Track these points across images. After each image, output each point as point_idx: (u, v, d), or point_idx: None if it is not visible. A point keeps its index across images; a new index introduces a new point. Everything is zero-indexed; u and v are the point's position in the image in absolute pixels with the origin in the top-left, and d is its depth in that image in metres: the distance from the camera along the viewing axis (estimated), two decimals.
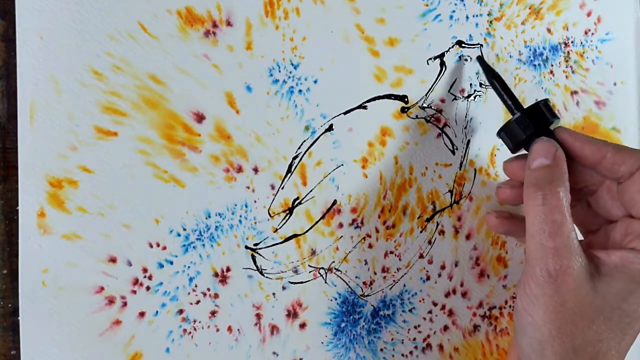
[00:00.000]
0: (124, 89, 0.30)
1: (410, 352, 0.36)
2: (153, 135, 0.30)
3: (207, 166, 0.31)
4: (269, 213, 0.33)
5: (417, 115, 0.35)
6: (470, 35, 0.36)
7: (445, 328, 0.37)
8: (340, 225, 0.34)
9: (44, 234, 0.29)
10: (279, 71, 0.32)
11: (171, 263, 0.31)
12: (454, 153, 0.36)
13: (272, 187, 0.33)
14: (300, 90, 0.33)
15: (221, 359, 0.32)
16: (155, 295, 0.31)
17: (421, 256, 0.36)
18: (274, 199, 0.33)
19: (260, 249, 0.33)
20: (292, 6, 0.32)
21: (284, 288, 0.33)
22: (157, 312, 0.31)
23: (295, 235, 0.33)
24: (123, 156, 0.30)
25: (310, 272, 0.34)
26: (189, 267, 0.31)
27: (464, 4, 0.36)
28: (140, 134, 0.30)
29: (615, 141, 0.39)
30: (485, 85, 0.37)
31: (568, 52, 0.39)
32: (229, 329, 0.32)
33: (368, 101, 0.34)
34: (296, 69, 0.33)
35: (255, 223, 0.32)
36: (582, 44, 0.40)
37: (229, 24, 0.31)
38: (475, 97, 0.37)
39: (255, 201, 0.32)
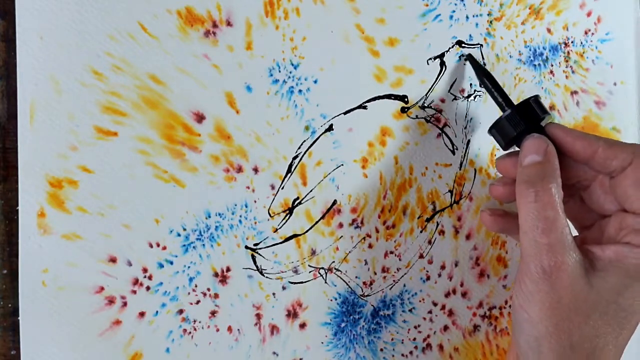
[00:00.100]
0: (124, 89, 0.30)
1: (410, 352, 0.36)
2: (153, 135, 0.30)
3: (207, 166, 0.31)
4: (269, 213, 0.33)
5: (417, 115, 0.35)
6: (470, 35, 0.36)
7: (445, 328, 0.37)
8: (340, 225, 0.34)
9: (44, 234, 0.29)
10: (279, 71, 0.32)
11: (171, 263, 0.31)
12: (454, 153, 0.36)
13: (272, 187, 0.33)
14: (300, 90, 0.33)
15: (221, 359, 0.32)
16: (155, 295, 0.31)
17: (421, 256, 0.36)
18: (274, 199, 0.33)
19: (260, 249, 0.33)
20: (292, 6, 0.32)
21: (284, 288, 0.33)
22: (157, 312, 0.31)
23: (295, 235, 0.33)
24: (123, 156, 0.30)
25: (310, 272, 0.34)
26: (189, 267, 0.31)
27: (464, 4, 0.36)
28: (140, 134, 0.30)
29: None
30: None
31: (568, 52, 0.39)
32: (229, 329, 0.32)
33: (368, 101, 0.34)
34: (296, 69, 0.33)
35: (255, 223, 0.32)
36: (582, 44, 0.40)
37: (229, 24, 0.31)
38: (475, 97, 0.37)
39: (255, 201, 0.32)
